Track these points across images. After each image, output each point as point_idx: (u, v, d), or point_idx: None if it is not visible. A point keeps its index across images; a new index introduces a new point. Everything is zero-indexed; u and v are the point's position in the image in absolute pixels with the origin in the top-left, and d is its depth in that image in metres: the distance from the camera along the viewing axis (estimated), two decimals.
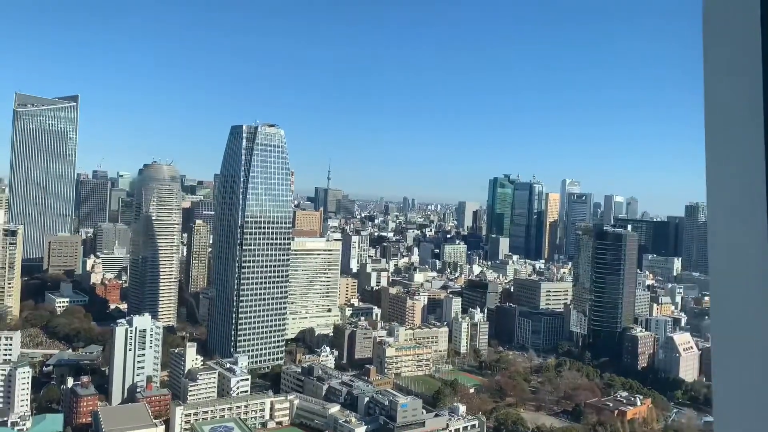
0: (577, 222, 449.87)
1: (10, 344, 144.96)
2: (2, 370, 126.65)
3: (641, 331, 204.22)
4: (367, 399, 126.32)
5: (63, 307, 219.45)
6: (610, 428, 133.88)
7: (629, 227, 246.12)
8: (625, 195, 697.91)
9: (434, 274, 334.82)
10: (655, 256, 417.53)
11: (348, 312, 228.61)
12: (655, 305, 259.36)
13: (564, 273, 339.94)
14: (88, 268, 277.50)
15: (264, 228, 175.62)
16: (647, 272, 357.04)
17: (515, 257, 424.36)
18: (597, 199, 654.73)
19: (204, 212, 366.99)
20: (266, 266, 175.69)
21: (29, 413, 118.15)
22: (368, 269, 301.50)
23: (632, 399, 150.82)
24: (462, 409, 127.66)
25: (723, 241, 2.43)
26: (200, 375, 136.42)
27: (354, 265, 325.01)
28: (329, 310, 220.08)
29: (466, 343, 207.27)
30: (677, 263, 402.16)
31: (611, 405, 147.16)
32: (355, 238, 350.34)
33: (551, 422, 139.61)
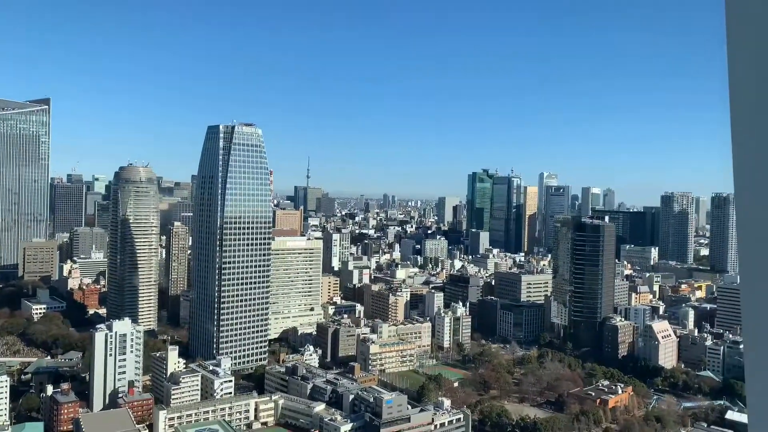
0: (556, 214, 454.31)
1: None
2: None
3: (621, 320, 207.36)
4: (352, 396, 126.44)
5: (40, 313, 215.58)
6: (592, 417, 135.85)
7: (606, 218, 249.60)
8: (601, 187, 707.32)
9: (416, 270, 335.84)
10: (632, 246, 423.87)
11: (331, 310, 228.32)
12: (633, 294, 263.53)
13: (544, 265, 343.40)
14: (65, 273, 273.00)
15: (244, 228, 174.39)
16: (625, 262, 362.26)
17: (496, 251, 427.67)
18: (574, 191, 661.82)
19: (182, 214, 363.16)
20: (247, 267, 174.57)
21: (8, 422, 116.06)
22: (350, 267, 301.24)
23: (613, 387, 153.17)
24: (447, 403, 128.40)
25: (753, 235, 2.38)
26: (183, 378, 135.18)
27: (335, 263, 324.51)
28: (312, 309, 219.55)
29: (449, 337, 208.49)
30: (654, 252, 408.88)
31: (593, 394, 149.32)
32: (336, 236, 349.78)
33: (535, 413, 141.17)
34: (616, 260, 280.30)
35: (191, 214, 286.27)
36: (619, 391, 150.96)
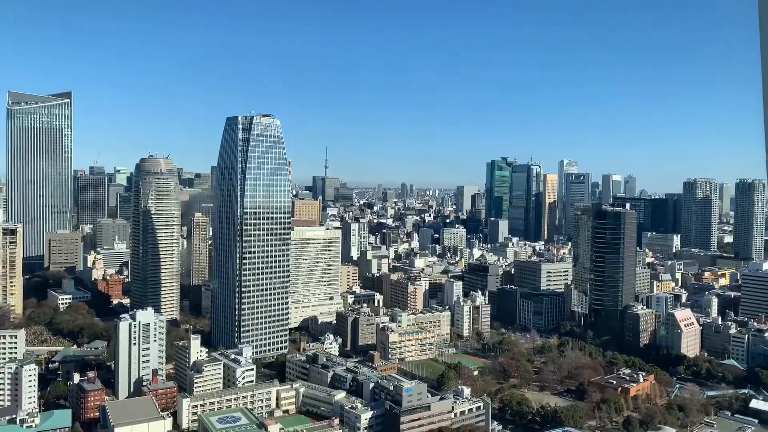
0: (576, 202, 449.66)
1: (15, 342, 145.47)
2: (9, 368, 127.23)
3: (642, 308, 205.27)
4: (372, 385, 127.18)
5: (66, 303, 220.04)
6: (613, 405, 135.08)
7: (628, 205, 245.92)
8: (623, 174, 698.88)
9: (434, 259, 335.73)
10: (654, 233, 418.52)
11: (350, 299, 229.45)
12: (655, 282, 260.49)
13: (564, 253, 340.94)
14: (89, 264, 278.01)
15: (263, 218, 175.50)
16: (647, 250, 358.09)
17: (515, 239, 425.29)
18: (595, 178, 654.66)
19: (203, 205, 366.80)
20: (267, 256, 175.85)
21: (37, 410, 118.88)
22: (369, 256, 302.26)
23: (635, 376, 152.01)
24: (467, 391, 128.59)
25: None
26: (205, 367, 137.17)
27: (354, 253, 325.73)
28: (331, 298, 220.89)
29: (469, 326, 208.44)
30: (676, 240, 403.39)
31: (614, 383, 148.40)
32: (354, 226, 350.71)
33: (555, 401, 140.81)
34: (638, 248, 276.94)
35: (212, 204, 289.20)
36: (641, 380, 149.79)
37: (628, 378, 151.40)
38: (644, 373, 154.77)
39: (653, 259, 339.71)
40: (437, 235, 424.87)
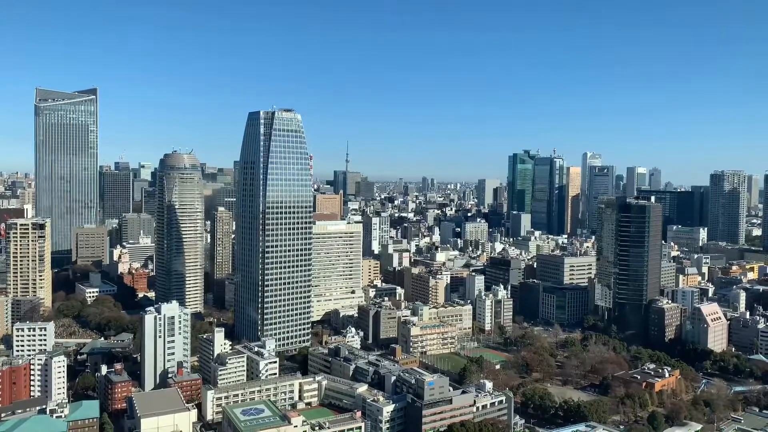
0: (600, 195, 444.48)
1: (45, 335, 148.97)
2: (39, 360, 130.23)
3: (667, 302, 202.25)
4: (394, 378, 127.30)
5: (93, 297, 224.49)
6: (638, 400, 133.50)
7: (653, 198, 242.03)
8: (647, 166, 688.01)
9: (456, 252, 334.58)
10: (679, 226, 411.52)
11: (371, 293, 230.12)
12: (681, 276, 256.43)
13: (587, 247, 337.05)
14: (115, 258, 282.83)
15: (285, 213, 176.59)
16: (672, 243, 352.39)
17: (537, 233, 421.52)
18: (619, 171, 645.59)
19: (226, 199, 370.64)
20: (289, 250, 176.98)
21: (66, 400, 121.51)
22: (390, 250, 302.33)
23: (660, 371, 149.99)
24: (489, 385, 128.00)
25: None
26: (229, 359, 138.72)
27: (375, 247, 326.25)
28: (353, 292, 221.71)
29: (491, 320, 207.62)
30: (703, 233, 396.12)
31: (639, 377, 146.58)
32: (375, 220, 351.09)
33: (578, 396, 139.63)
34: (663, 241, 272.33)
35: (234, 199, 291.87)
36: (666, 375, 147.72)
37: (652, 373, 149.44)
38: (669, 368, 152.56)
39: (679, 252, 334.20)
40: (458, 229, 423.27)
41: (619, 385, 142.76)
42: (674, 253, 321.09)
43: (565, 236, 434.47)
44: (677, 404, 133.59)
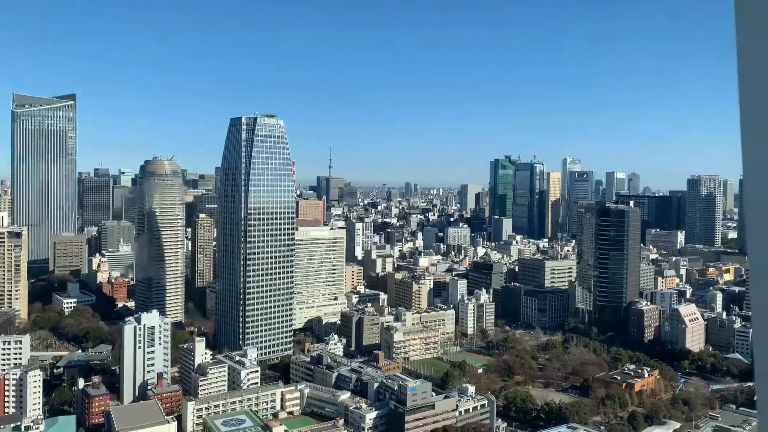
0: (579, 200, 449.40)
1: (20, 348, 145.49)
2: (13, 374, 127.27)
3: (646, 304, 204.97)
4: (376, 385, 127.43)
5: (71, 307, 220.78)
6: (618, 401, 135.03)
7: (631, 203, 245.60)
8: (626, 171, 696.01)
9: (439, 257, 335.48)
10: (658, 230, 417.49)
11: (354, 299, 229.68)
12: (659, 278, 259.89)
13: (568, 251, 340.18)
14: (94, 267, 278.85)
15: (267, 219, 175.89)
16: (651, 246, 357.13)
17: (519, 237, 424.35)
18: (598, 176, 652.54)
19: (207, 206, 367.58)
20: (271, 257, 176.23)
21: (42, 416, 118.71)
22: (373, 256, 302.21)
23: (639, 371, 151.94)
24: (471, 389, 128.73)
25: (762, 227, 2.25)
26: (210, 369, 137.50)
27: (359, 253, 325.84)
28: (336, 298, 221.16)
29: (473, 324, 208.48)
30: (680, 236, 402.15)
31: (619, 378, 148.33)
32: (358, 226, 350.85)
33: (560, 398, 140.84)
34: (642, 245, 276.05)
35: (216, 206, 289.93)
36: (646, 375, 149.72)
37: (632, 373, 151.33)
38: (649, 369, 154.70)
39: (657, 255, 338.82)
40: (441, 234, 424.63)
41: (600, 387, 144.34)
42: (653, 256, 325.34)
43: (546, 240, 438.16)
44: (656, 404, 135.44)
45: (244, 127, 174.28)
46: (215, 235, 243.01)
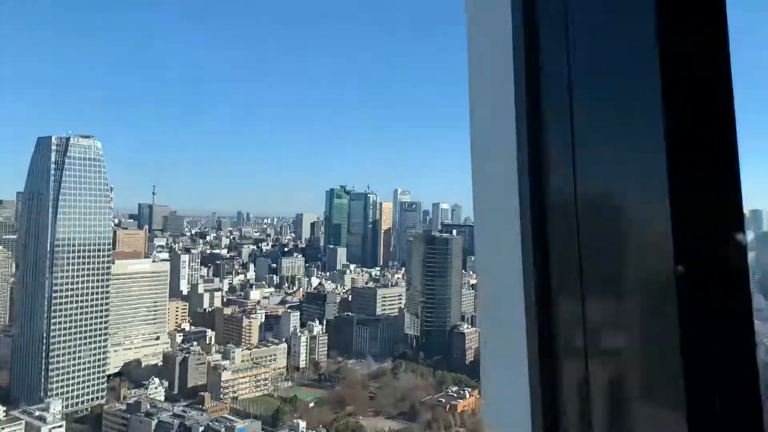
0: (409, 229, 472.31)
1: None
2: None
3: (467, 327, 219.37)
4: (201, 429, 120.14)
5: None
6: (443, 423, 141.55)
7: (454, 232, 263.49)
8: (450, 202, 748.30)
9: (272, 289, 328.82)
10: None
11: (179, 338, 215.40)
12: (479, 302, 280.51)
13: (398, 278, 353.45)
14: None
15: (79, 251, 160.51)
16: (472, 272, 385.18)
17: (353, 266, 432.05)
18: (426, 206, 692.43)
19: (4, 236, 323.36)
20: (82, 295, 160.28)
21: None
22: (200, 290, 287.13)
23: (462, 392, 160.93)
24: (302, 424, 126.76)
25: (486, 242, 2.37)
26: (2, 430, 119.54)
27: (184, 287, 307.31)
28: (157, 338, 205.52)
29: (306, 357, 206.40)
30: None
31: (443, 401, 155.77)
32: (184, 258, 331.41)
33: (389, 425, 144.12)
34: (464, 270, 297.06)
35: (15, 236, 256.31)
36: (467, 396, 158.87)
37: (455, 395, 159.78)
38: (470, 389, 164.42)
39: (477, 280, 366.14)
40: (275, 265, 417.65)
41: (426, 410, 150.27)
42: (473, 281, 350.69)
43: (379, 268, 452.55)
44: (477, 422, 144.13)
45: (54, 148, 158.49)
46: (14, 270, 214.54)
